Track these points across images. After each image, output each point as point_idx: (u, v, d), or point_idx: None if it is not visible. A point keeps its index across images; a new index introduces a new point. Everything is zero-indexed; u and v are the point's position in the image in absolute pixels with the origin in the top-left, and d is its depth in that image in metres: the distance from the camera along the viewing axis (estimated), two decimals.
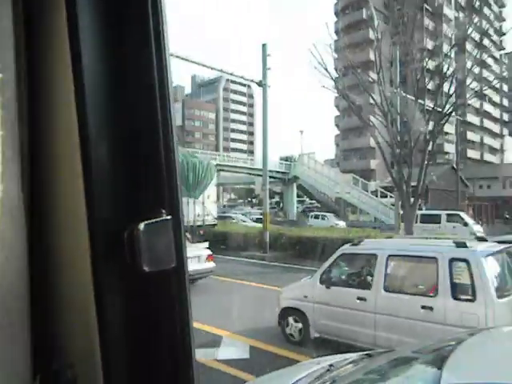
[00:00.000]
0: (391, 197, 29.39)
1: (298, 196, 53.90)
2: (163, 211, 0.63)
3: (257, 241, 15.50)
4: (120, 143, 0.63)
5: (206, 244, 11.10)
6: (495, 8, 71.63)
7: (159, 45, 0.64)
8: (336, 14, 61.16)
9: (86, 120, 0.60)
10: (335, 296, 5.92)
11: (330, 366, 3.00)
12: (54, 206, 0.67)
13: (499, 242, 5.90)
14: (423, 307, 5.02)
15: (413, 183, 16.04)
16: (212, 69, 16.30)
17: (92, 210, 0.60)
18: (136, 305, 0.64)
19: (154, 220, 0.61)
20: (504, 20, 70.22)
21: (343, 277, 6.24)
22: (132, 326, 0.64)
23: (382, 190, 36.10)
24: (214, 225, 16.08)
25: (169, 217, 0.63)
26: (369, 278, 5.77)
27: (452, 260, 5.03)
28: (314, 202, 51.05)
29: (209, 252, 10.55)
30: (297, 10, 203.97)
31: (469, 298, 4.83)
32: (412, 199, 15.76)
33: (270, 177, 42.89)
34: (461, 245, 5.17)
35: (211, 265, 10.39)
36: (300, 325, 6.22)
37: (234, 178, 66.44)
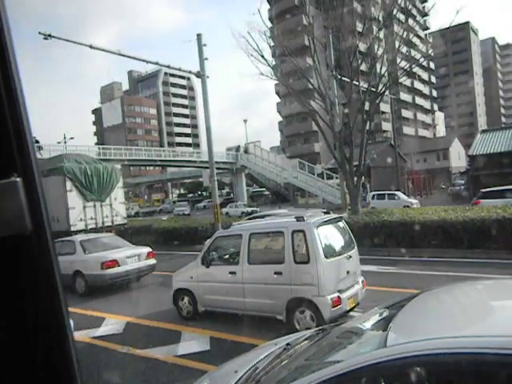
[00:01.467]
0: (336, 178, 30.36)
1: (248, 185, 54.18)
2: (14, 174, 0.60)
3: (209, 233, 15.44)
4: None
5: None
6: None
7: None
8: (268, 1, 61.33)
9: None
10: (213, 273, 6.87)
11: (287, 344, 3.08)
12: None
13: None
14: (275, 273, 6.01)
15: (355, 163, 16.61)
16: (147, 62, 15.84)
17: None
18: None
19: None
20: (426, 1, 73.82)
21: (219, 256, 7.07)
22: None
23: (328, 172, 37.14)
24: (124, 224, 16.83)
25: (18, 179, 0.60)
26: (237, 254, 6.59)
27: (293, 232, 5.95)
28: (263, 189, 51.53)
29: (149, 250, 10.84)
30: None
31: (305, 260, 5.78)
32: (355, 178, 16.34)
33: (218, 168, 42.71)
34: (300, 219, 6.00)
35: (152, 262, 10.69)
36: (190, 302, 7.16)
37: (181, 172, 65.51)
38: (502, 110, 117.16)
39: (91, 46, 12.87)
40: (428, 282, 8.19)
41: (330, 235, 6.25)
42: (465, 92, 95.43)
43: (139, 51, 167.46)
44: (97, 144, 66.85)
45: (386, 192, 28.24)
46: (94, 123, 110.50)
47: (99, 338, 6.75)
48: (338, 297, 5.70)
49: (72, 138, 46.04)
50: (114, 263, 9.84)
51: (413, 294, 2.85)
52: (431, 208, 14.16)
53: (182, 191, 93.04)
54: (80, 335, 6.67)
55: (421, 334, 1.96)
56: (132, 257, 10.29)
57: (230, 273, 6.52)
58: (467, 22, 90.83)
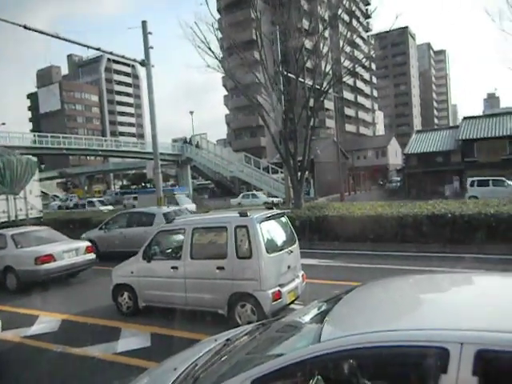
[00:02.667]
0: (281, 172, 30.85)
1: (193, 177, 53.54)
2: None
3: None
4: None
5: None
6: None
7: None
8: None
9: None
10: (155, 268, 6.75)
11: (227, 340, 3.11)
12: None
13: None
14: (218, 268, 6.02)
15: (299, 158, 16.97)
16: (88, 47, 15.02)
17: None
18: None
19: None
20: (369, 4, 76.64)
21: (161, 251, 6.98)
22: None
23: (273, 167, 37.58)
24: (40, 218, 16.13)
25: None
26: (180, 249, 6.54)
27: (236, 227, 5.98)
28: (208, 181, 51.21)
29: (87, 244, 10.52)
30: None
31: (247, 255, 5.84)
32: (299, 173, 16.70)
33: (163, 160, 41.79)
34: (243, 214, 6.06)
35: (91, 256, 10.36)
36: (130, 298, 7.03)
37: (124, 163, 63.31)
38: (435, 112, 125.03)
39: (25, 27, 11.98)
40: (364, 274, 8.62)
41: (273, 230, 6.34)
42: (402, 93, 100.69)
43: (82, 35, 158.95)
44: (32, 131, 62.59)
45: (491, 178, 24.77)
46: (30, 108, 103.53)
47: (31, 338, 6.41)
48: (279, 291, 5.83)
49: (3, 124, 42.86)
50: (50, 258, 9.36)
51: (350, 287, 2.97)
52: (369, 204, 14.83)
53: (125, 182, 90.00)
54: (8, 335, 6.27)
55: (354, 328, 2.05)
56: (69, 251, 9.87)
57: (172, 267, 6.44)
58: (406, 27, 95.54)
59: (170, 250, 7.02)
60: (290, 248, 6.42)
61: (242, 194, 34.10)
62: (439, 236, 10.51)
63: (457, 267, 8.49)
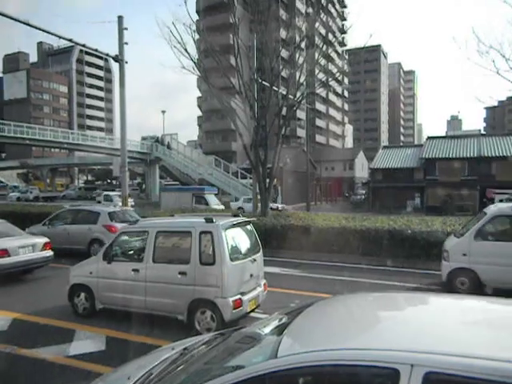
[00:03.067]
0: (250, 178, 30.93)
1: (161, 177, 52.80)
2: None
3: None
4: None
5: None
6: (338, 7, 79.69)
7: None
8: None
9: None
10: (115, 270, 6.58)
11: (184, 349, 3.08)
12: None
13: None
14: (180, 273, 5.96)
15: (269, 165, 17.08)
16: (60, 37, 14.55)
17: None
18: None
19: None
20: (345, 19, 78.61)
21: (122, 252, 6.84)
22: None
23: (243, 172, 37.68)
24: None
25: None
26: (142, 251, 6.43)
27: (201, 233, 5.94)
28: (176, 182, 50.64)
29: (46, 240, 10.14)
30: None
31: (211, 262, 5.82)
32: (268, 180, 16.79)
33: (131, 157, 41.02)
34: (208, 220, 6.03)
35: (48, 253, 10.03)
36: (87, 299, 6.83)
37: (90, 158, 61.51)
38: (402, 130, 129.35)
39: None
40: (326, 285, 8.77)
41: (237, 238, 6.33)
42: (372, 109, 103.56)
43: (54, 22, 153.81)
44: None
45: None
46: None
47: None
48: (240, 299, 5.82)
49: None
50: (4, 253, 8.96)
51: (311, 297, 3.01)
52: (333, 215, 15.11)
53: (90, 178, 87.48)
54: None
55: (311, 345, 2.07)
56: (25, 247, 9.48)
57: (133, 270, 6.31)
58: (379, 45, 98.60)
59: (131, 252, 6.85)
60: (253, 256, 6.43)
61: (242, 198, 31.66)
62: (398, 251, 10.85)
63: (412, 282, 8.80)
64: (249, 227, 6.84)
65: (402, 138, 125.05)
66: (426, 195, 35.99)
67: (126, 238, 7.00)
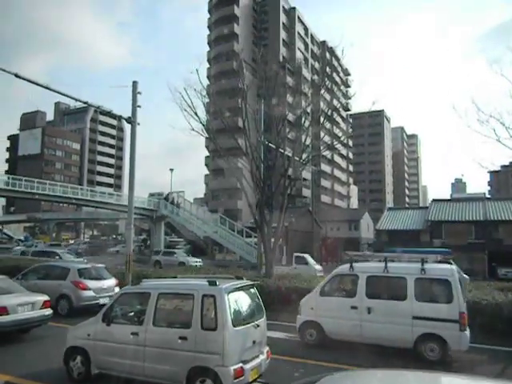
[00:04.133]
0: (255, 237, 30.81)
1: (166, 233, 52.77)
2: None
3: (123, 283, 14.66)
4: None
5: None
6: (342, 75, 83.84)
7: None
8: (208, 60, 64.23)
9: None
10: (114, 332, 6.31)
11: None
12: None
13: None
14: (180, 338, 5.72)
15: (274, 224, 17.10)
16: (76, 100, 15.34)
17: None
18: None
19: None
20: (349, 86, 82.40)
21: (122, 314, 6.62)
22: None
23: (248, 230, 37.60)
24: None
25: None
26: (142, 314, 6.22)
27: (204, 296, 5.79)
28: (181, 239, 50.53)
29: (46, 298, 9.91)
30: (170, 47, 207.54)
31: (212, 327, 5.60)
32: (273, 240, 16.73)
33: (138, 214, 41.31)
34: (212, 283, 5.90)
35: (48, 312, 9.76)
36: (82, 363, 6.48)
37: (97, 213, 62.08)
38: (407, 191, 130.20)
39: (16, 75, 12.21)
40: (332, 354, 8.40)
41: (241, 302, 6.14)
42: (376, 170, 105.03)
43: (72, 83, 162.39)
44: (8, 173, 61.03)
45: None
46: (8, 149, 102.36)
47: None
48: (242, 367, 5.54)
49: None
50: (3, 311, 8.78)
51: (315, 367, 2.90)
52: None
53: (96, 233, 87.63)
54: None
55: None
56: (25, 305, 9.24)
57: (132, 333, 6.07)
58: (382, 110, 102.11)
59: (132, 314, 6.63)
60: (256, 322, 6.20)
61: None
62: None
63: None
64: (252, 290, 6.66)
65: (406, 199, 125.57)
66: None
67: (126, 299, 6.80)
